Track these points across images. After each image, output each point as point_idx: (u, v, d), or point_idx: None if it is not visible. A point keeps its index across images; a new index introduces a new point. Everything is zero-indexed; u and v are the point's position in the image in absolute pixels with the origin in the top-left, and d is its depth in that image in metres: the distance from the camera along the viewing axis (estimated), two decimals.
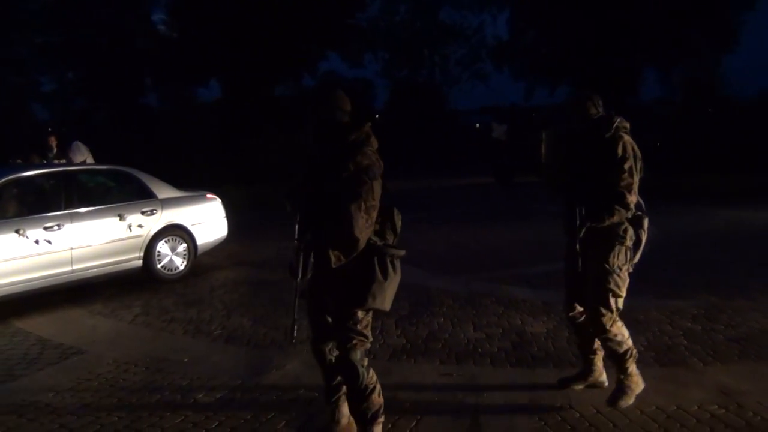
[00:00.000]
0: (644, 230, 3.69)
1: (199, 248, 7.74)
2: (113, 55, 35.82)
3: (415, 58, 36.50)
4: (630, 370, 3.67)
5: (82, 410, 3.96)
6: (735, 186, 13.29)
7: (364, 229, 2.91)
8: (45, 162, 9.67)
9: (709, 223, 10.76)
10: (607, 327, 3.59)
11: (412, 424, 3.61)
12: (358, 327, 3.01)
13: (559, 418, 3.62)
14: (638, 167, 3.55)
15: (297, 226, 2.97)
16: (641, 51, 33.25)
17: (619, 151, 3.51)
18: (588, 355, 3.92)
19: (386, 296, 2.99)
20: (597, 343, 3.82)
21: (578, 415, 3.66)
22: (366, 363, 3.07)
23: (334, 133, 3.02)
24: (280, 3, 20.68)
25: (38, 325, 5.84)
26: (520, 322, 5.45)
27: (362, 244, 2.92)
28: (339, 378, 3.27)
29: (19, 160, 9.16)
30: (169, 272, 7.39)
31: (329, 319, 3.14)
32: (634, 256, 3.68)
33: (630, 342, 3.70)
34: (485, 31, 36.67)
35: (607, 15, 31.14)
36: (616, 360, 3.68)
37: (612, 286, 3.59)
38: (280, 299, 6.49)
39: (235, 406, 3.96)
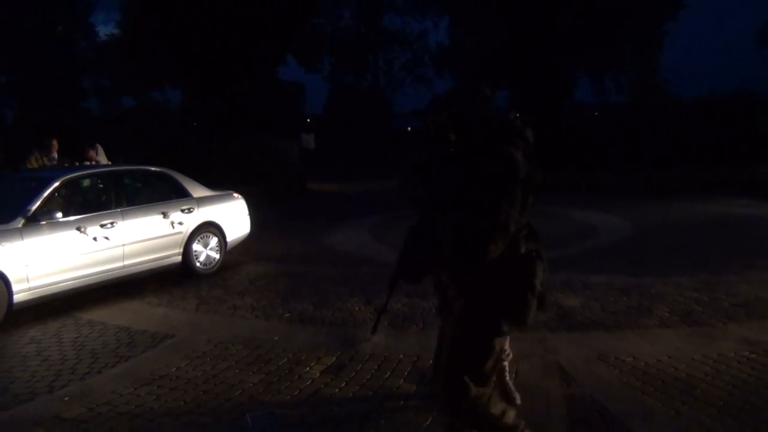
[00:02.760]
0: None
1: (228, 244, 8.17)
2: (48, 58, 34.93)
3: (360, 62, 37.22)
4: None
5: (213, 379, 4.46)
6: (684, 181, 14.70)
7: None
8: (45, 164, 9.80)
9: (669, 214, 11.97)
10: None
11: (514, 376, 4.31)
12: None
13: (632, 366, 4.41)
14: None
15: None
16: (574, 57, 35.17)
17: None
18: None
19: None
20: None
21: (644, 363, 4.46)
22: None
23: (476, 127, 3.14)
24: (239, 6, 20.93)
25: (108, 316, 6.18)
26: (554, 299, 6.23)
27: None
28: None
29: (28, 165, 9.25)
30: (205, 267, 7.80)
31: None
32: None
33: None
34: (428, 37, 37.78)
35: (541, 23, 32.83)
36: None
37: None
38: (322, 288, 7.05)
39: (350, 369, 4.54)
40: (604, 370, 4.38)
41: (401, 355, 4.78)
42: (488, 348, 2.75)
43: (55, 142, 10.11)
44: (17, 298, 5.94)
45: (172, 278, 7.56)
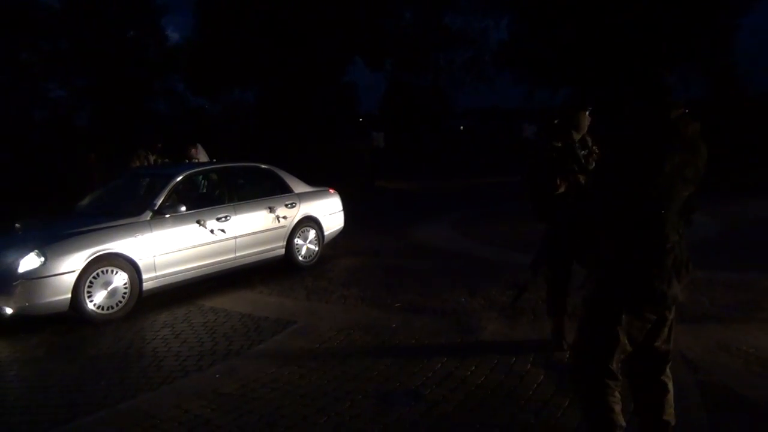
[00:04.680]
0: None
1: (325, 238, 8.51)
2: (120, 61, 36.34)
3: (421, 61, 37.37)
4: None
5: (348, 360, 4.75)
6: (764, 179, 14.41)
7: None
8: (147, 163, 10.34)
9: (753, 211, 11.76)
10: None
11: None
12: None
13: (756, 357, 4.50)
14: None
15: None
16: (638, 54, 34.45)
17: None
18: None
19: None
20: None
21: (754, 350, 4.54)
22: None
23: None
24: (309, 10, 21.40)
25: (227, 304, 6.56)
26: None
27: None
28: None
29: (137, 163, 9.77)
30: (305, 260, 8.15)
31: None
32: None
33: None
34: (489, 35, 37.73)
35: (603, 21, 32.34)
36: None
37: None
38: (422, 280, 7.28)
39: (476, 355, 4.75)
40: (729, 359, 4.48)
41: (521, 342, 4.98)
42: (610, 337, 2.71)
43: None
44: (146, 285, 6.40)
45: (274, 270, 7.91)
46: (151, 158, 10.43)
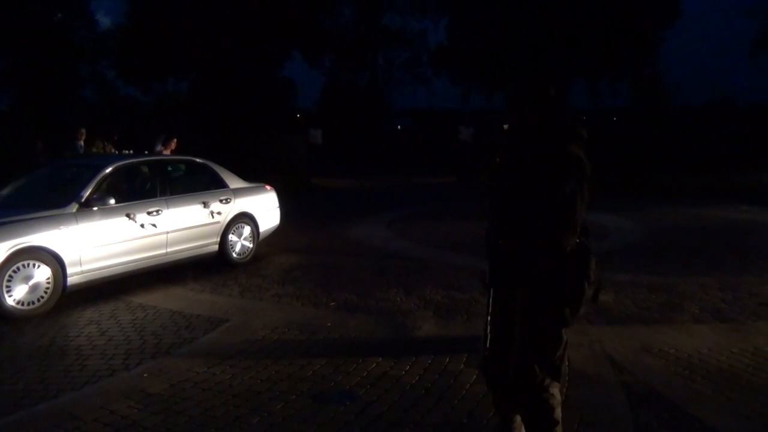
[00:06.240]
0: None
1: (260, 234, 8.39)
2: (46, 46, 34.77)
3: (359, 60, 37.42)
4: None
5: (282, 361, 4.68)
6: (690, 186, 15.12)
7: None
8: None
9: (675, 217, 12.33)
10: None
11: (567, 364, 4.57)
12: None
13: (675, 357, 4.71)
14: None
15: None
16: (570, 61, 35.65)
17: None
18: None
19: None
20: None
21: (687, 354, 4.76)
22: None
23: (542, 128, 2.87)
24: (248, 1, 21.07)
25: (157, 301, 6.37)
26: None
27: None
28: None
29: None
30: (240, 256, 8.01)
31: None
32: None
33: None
34: (428, 37, 38.15)
35: (538, 28, 33.30)
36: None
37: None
38: (359, 279, 7.30)
39: (410, 355, 4.78)
40: (651, 360, 4.67)
41: (455, 342, 5.04)
42: (557, 338, 2.80)
43: (83, 131, 10.29)
44: (70, 281, 6.13)
45: (207, 267, 7.73)
46: (108, 148, 10.14)
